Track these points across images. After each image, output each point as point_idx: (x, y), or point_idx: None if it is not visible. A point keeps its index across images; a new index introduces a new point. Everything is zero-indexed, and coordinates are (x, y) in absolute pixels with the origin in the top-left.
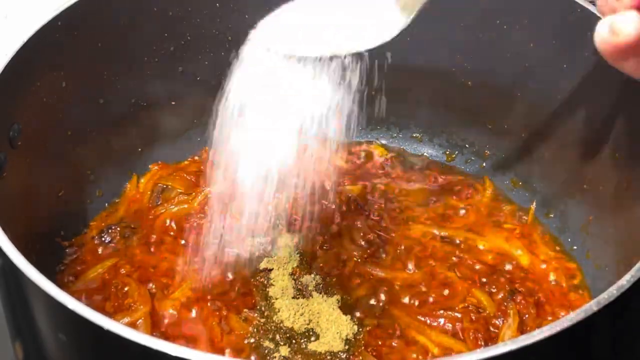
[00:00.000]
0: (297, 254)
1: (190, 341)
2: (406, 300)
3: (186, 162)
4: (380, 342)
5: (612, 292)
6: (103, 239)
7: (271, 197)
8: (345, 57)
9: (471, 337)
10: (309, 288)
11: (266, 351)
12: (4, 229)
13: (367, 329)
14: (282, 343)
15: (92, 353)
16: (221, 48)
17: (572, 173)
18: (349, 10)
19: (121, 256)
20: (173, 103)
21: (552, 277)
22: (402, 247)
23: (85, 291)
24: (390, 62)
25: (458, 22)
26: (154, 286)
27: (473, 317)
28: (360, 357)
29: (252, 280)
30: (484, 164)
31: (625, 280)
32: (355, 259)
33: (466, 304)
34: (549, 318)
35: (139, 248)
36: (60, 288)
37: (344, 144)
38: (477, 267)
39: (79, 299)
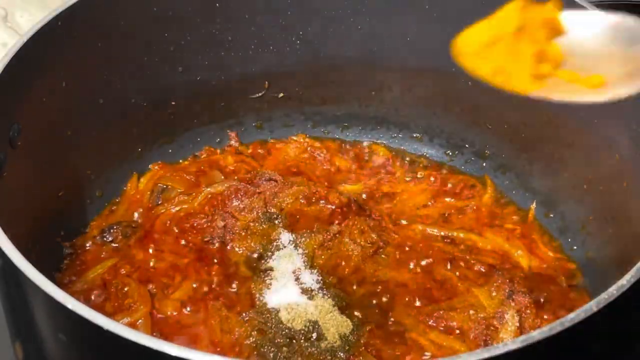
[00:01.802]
0: (298, 254)
1: (191, 341)
2: (406, 300)
3: (186, 162)
4: (380, 342)
5: (612, 292)
6: (105, 238)
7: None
8: None
9: (471, 337)
10: (309, 288)
11: (266, 351)
12: (4, 229)
13: (367, 329)
14: (282, 343)
15: (92, 353)
16: (221, 48)
17: (572, 173)
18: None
19: (121, 256)
20: (173, 103)
21: (552, 277)
22: (403, 247)
23: (85, 291)
24: (390, 62)
25: (458, 22)
26: (154, 286)
27: (473, 317)
28: (360, 357)
29: (253, 280)
30: (484, 164)
31: (625, 280)
32: (355, 259)
33: (466, 304)
34: (549, 318)
35: (139, 248)
36: (60, 288)
37: (344, 144)
38: (477, 267)
39: (79, 299)
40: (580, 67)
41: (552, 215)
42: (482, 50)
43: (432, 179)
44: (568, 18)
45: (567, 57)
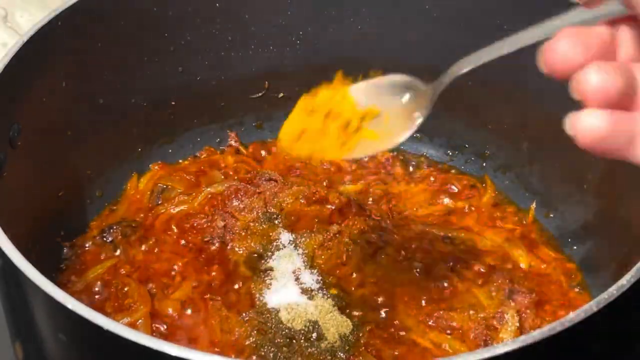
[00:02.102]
0: (298, 254)
1: (191, 341)
2: (406, 300)
3: (186, 162)
4: (380, 342)
5: (612, 292)
6: (105, 238)
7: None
8: None
9: (471, 337)
10: (309, 288)
11: (266, 351)
12: (4, 229)
13: (367, 328)
14: (282, 343)
15: (92, 353)
16: (221, 48)
17: (572, 173)
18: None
19: (121, 256)
20: (173, 103)
21: (552, 277)
22: (403, 247)
23: (85, 291)
24: (390, 62)
25: (458, 22)
26: (154, 286)
27: (473, 317)
28: (360, 357)
29: (253, 280)
30: (484, 164)
31: (625, 280)
32: (355, 259)
33: (466, 304)
34: (549, 318)
35: (139, 248)
36: (60, 288)
37: None
38: (477, 267)
39: (79, 299)
40: (376, 125)
41: (552, 215)
42: (296, 140)
43: (432, 179)
44: (361, 86)
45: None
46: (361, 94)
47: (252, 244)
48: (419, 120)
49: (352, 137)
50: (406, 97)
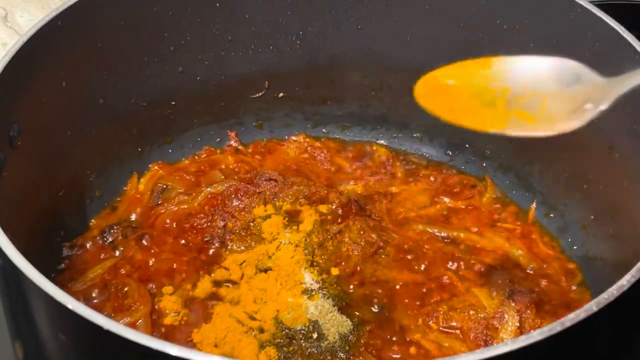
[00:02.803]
0: (298, 254)
1: (191, 341)
2: (406, 300)
3: (186, 162)
4: (380, 342)
5: (612, 292)
6: (105, 238)
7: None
8: None
9: (471, 337)
10: (309, 288)
11: (267, 351)
12: (4, 229)
13: (367, 328)
14: (282, 343)
15: (92, 353)
16: (221, 48)
17: (572, 173)
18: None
19: (121, 256)
20: (173, 103)
21: (552, 277)
22: (403, 247)
23: (85, 291)
24: (390, 62)
25: (458, 22)
26: (154, 286)
27: (473, 317)
28: (360, 357)
29: (253, 280)
30: (484, 164)
31: (625, 280)
32: (355, 259)
33: (466, 304)
34: (549, 318)
35: (139, 248)
36: (60, 288)
37: (344, 144)
38: (477, 267)
39: (79, 299)
40: (529, 107)
41: (552, 215)
42: (436, 95)
43: (432, 179)
44: (515, 62)
45: (518, 97)
46: (515, 70)
47: (252, 244)
48: (592, 113)
49: (501, 113)
50: (575, 85)
